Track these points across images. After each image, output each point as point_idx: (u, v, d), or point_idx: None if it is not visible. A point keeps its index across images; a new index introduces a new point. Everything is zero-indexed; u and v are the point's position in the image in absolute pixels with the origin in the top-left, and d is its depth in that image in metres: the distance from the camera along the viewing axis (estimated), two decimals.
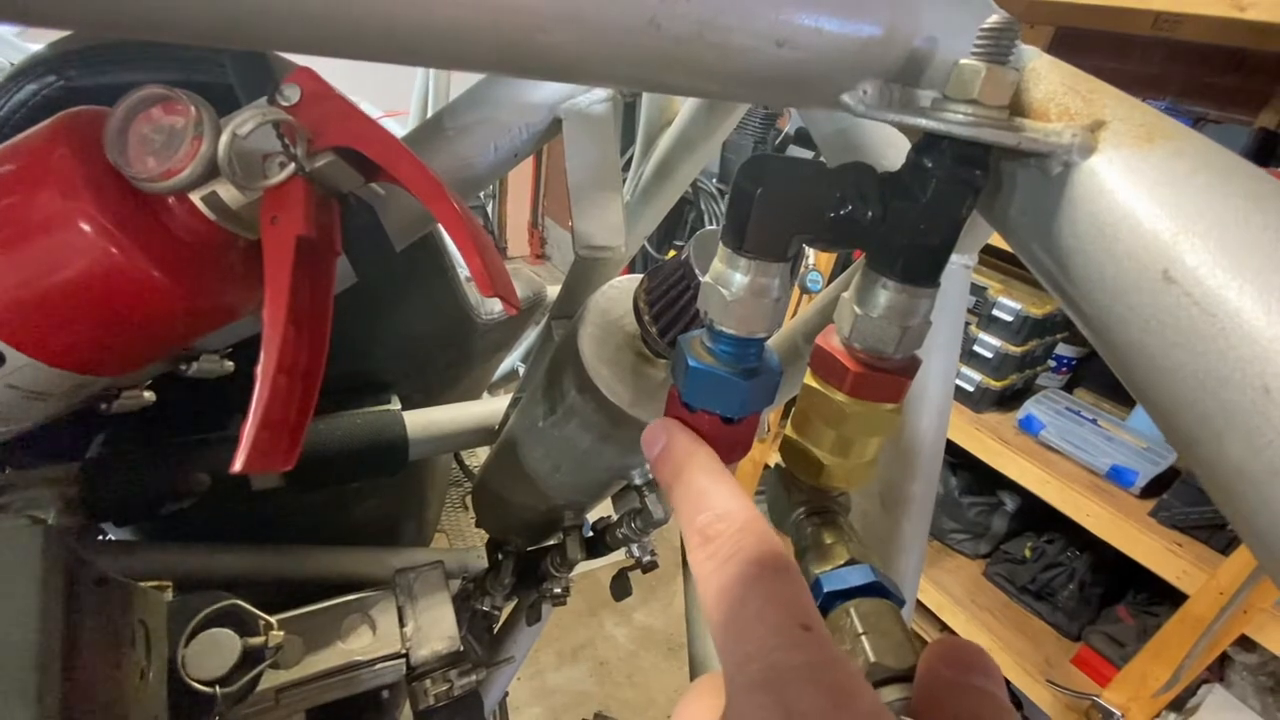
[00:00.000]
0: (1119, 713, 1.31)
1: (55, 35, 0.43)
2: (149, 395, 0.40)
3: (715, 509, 0.20)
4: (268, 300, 0.29)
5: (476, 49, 0.18)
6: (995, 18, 0.20)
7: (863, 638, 0.22)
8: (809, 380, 0.27)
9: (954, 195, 0.21)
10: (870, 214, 0.21)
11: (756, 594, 0.17)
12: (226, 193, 0.30)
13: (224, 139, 0.28)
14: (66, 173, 0.28)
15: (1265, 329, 0.14)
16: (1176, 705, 1.32)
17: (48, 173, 0.28)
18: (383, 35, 0.17)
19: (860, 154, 0.38)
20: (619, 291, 0.41)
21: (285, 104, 0.29)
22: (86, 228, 0.28)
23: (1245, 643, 1.20)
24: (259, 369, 0.29)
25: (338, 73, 0.29)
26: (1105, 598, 1.53)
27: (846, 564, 0.25)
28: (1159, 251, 0.16)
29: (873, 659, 0.22)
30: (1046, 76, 0.21)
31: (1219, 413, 0.15)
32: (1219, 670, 1.34)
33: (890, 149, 0.38)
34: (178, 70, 0.41)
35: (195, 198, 0.30)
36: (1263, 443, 0.14)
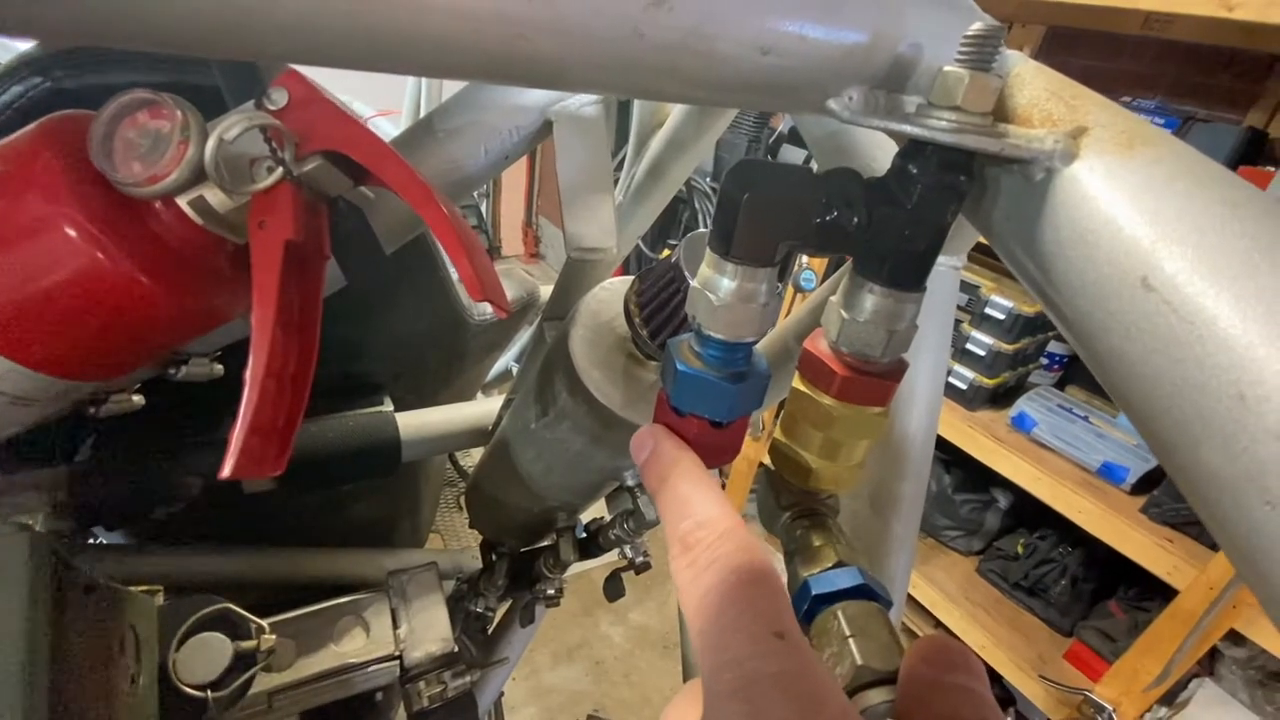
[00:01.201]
0: (1110, 707, 1.32)
1: None
2: (138, 399, 0.40)
3: (696, 516, 0.20)
4: (256, 305, 0.29)
5: (460, 58, 0.18)
6: (979, 25, 0.20)
7: (850, 640, 0.23)
8: (797, 384, 0.27)
9: (939, 201, 0.21)
10: (856, 220, 0.22)
11: (732, 602, 0.18)
12: (214, 197, 0.30)
13: (210, 143, 0.28)
14: (51, 178, 0.28)
15: (1240, 336, 0.14)
16: (1167, 699, 1.33)
17: (32, 178, 0.28)
18: (366, 44, 0.17)
19: (850, 157, 0.39)
20: (610, 294, 0.41)
21: (272, 108, 0.29)
22: (72, 233, 0.28)
23: (1235, 637, 1.21)
24: (248, 373, 0.29)
25: (329, 73, 0.29)
26: (1097, 593, 1.55)
27: (834, 566, 0.26)
28: (1138, 258, 0.17)
29: (860, 661, 0.22)
30: (1030, 82, 0.22)
31: (1196, 419, 0.15)
32: (1209, 664, 1.35)
33: (880, 152, 0.38)
34: (164, 73, 0.41)
35: (182, 202, 0.30)
36: (1238, 449, 0.14)
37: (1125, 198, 0.18)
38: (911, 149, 0.22)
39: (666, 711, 0.20)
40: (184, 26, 0.17)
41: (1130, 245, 0.17)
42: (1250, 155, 1.31)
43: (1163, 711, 1.33)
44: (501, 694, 0.89)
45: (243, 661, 0.42)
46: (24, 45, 0.43)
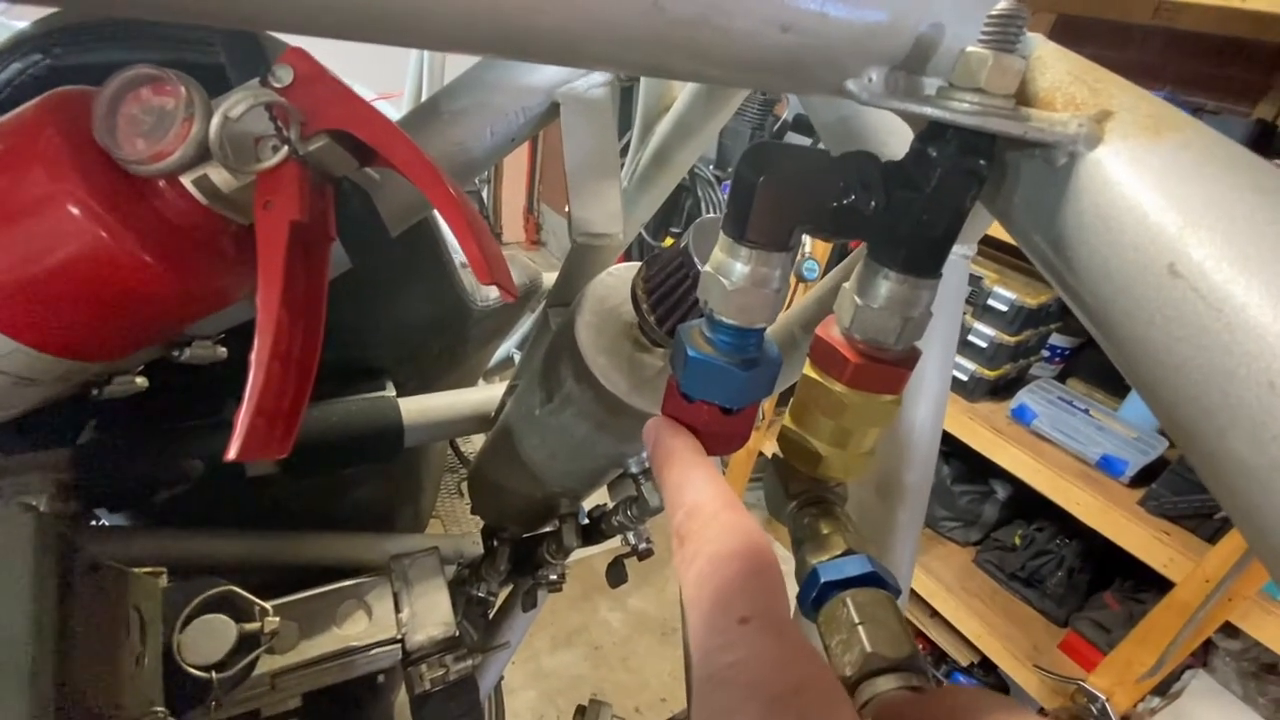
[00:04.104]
0: (1104, 696, 1.33)
1: (43, 12, 0.42)
2: (141, 381, 0.40)
3: (685, 505, 0.20)
4: (261, 286, 0.29)
5: (475, 30, 0.17)
6: (1003, 4, 0.20)
7: (859, 628, 0.23)
8: (808, 371, 0.27)
9: (958, 185, 0.21)
10: (873, 204, 0.21)
11: (714, 589, 0.18)
12: (218, 176, 0.29)
13: (215, 121, 0.28)
14: (54, 154, 0.27)
15: (1272, 324, 0.14)
16: (1160, 690, 1.34)
17: (35, 154, 0.27)
18: (378, 15, 0.17)
19: (862, 142, 0.38)
20: (616, 279, 0.41)
21: (278, 85, 0.29)
22: (75, 211, 0.27)
23: (1229, 629, 1.22)
24: (253, 356, 0.29)
25: (331, 54, 0.28)
26: (1093, 585, 1.55)
27: (843, 554, 0.25)
28: (1165, 245, 0.16)
29: (869, 649, 0.22)
30: (1053, 65, 0.21)
31: (1223, 408, 0.15)
32: (1203, 656, 1.36)
33: (892, 137, 0.37)
34: (168, 49, 0.40)
35: (186, 181, 0.29)
36: (1267, 438, 0.14)
37: (1151, 183, 0.17)
38: (931, 132, 0.21)
39: None
40: None
41: (1156, 231, 0.17)
42: (1259, 148, 1.30)
43: (1156, 701, 1.35)
44: (502, 677, 0.89)
45: (246, 643, 0.42)
46: (22, 23, 0.43)
